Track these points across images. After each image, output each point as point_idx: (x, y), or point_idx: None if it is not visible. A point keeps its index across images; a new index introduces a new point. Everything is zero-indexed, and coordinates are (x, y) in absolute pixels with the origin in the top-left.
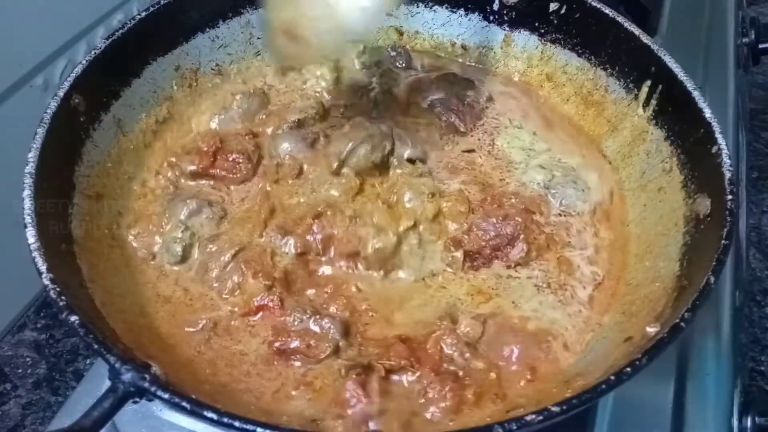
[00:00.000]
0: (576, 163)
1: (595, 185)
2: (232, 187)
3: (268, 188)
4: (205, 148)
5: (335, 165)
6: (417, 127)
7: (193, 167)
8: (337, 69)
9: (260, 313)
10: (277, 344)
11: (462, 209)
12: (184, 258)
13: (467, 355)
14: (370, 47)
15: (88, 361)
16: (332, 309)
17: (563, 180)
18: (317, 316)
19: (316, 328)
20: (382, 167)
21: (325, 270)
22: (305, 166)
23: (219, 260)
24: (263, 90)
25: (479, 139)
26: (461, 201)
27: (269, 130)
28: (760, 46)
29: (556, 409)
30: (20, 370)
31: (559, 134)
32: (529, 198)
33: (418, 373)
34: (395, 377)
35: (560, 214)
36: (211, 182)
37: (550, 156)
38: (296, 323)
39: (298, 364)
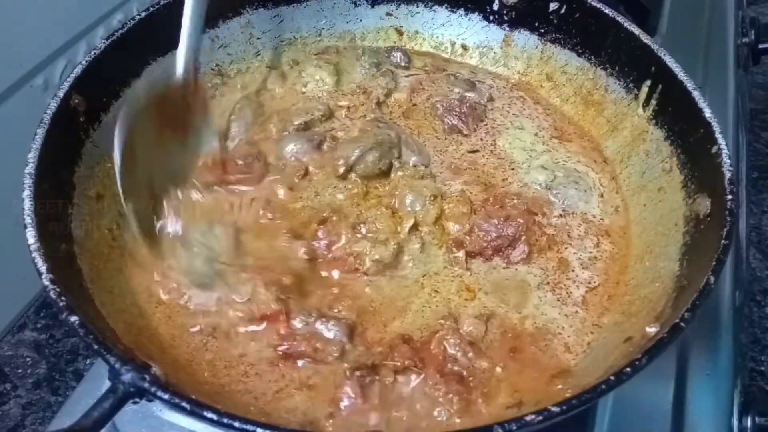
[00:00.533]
0: (579, 167)
1: (598, 198)
2: (243, 188)
3: (279, 191)
4: (211, 163)
5: (342, 170)
6: (419, 129)
7: (204, 180)
8: (337, 72)
9: (265, 322)
10: (282, 348)
11: (464, 210)
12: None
13: (470, 354)
14: (370, 49)
15: (88, 361)
16: (338, 311)
17: (565, 181)
18: (323, 319)
19: (323, 332)
20: (386, 171)
21: (332, 273)
22: (311, 168)
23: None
24: (258, 99)
25: (481, 140)
26: (463, 202)
27: (273, 134)
28: (760, 46)
29: (556, 409)
30: (20, 370)
31: (562, 136)
32: (532, 199)
33: (422, 375)
34: (400, 379)
35: (562, 215)
36: (227, 187)
37: (551, 157)
38: (302, 327)
39: (304, 364)
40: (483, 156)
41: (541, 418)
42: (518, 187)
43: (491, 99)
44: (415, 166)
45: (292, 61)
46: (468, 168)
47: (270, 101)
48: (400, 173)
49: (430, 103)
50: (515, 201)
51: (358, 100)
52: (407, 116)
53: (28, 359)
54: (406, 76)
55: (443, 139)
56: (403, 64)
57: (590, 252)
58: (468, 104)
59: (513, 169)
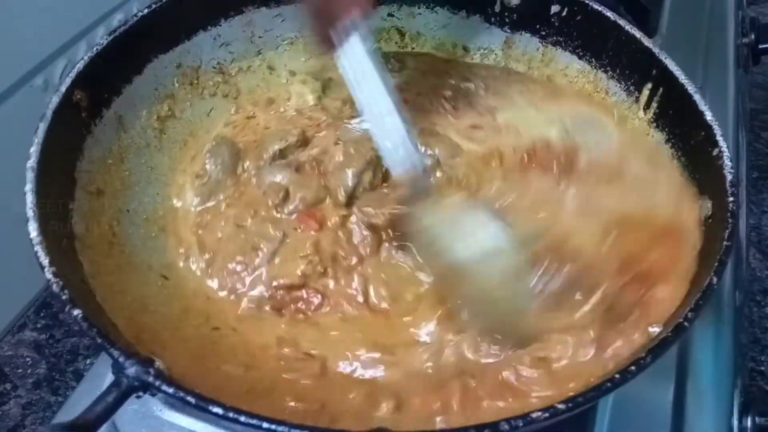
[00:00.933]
0: (583, 111)
1: (619, 135)
2: None
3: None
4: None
5: (343, 199)
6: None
7: None
8: (324, 87)
9: None
10: None
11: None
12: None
13: None
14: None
15: (88, 361)
16: None
17: (577, 126)
18: None
19: None
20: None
21: None
22: (291, 189)
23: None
24: (226, 137)
25: (480, 115)
26: (490, 156)
27: (252, 173)
28: (760, 46)
29: (561, 406)
30: (20, 370)
31: (560, 97)
32: (560, 148)
33: None
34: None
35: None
36: None
37: (552, 114)
38: None
39: None
40: (484, 130)
41: (547, 415)
42: (536, 141)
43: (486, 88)
44: None
45: (289, 72)
46: (472, 137)
47: (240, 133)
48: None
49: (421, 96)
50: (542, 150)
51: (338, 114)
52: None
53: (28, 359)
54: (395, 78)
55: (437, 116)
56: (396, 68)
57: None
58: (461, 93)
59: (520, 133)
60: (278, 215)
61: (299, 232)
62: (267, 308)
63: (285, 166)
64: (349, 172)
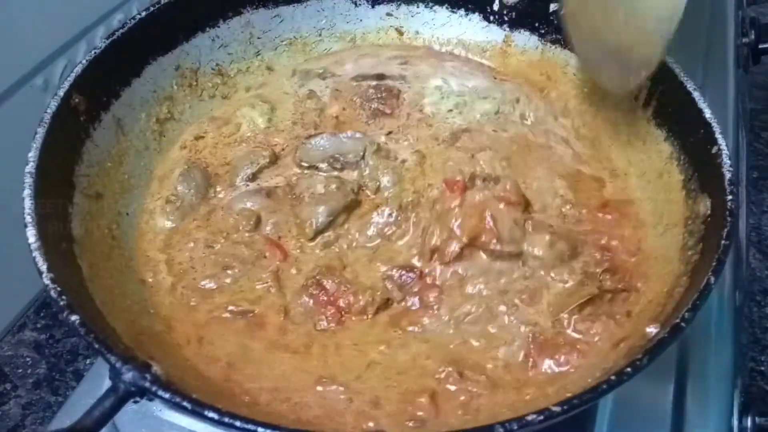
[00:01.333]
0: (508, 87)
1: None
2: None
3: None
4: None
5: (311, 234)
6: (351, 129)
7: None
8: (272, 109)
9: None
10: None
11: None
12: None
13: None
14: (301, 71)
15: (88, 361)
16: None
17: (511, 99)
18: None
19: None
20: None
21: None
22: (262, 215)
23: None
24: (198, 162)
25: (408, 114)
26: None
27: (225, 198)
28: (760, 46)
29: (557, 409)
30: (20, 370)
31: (476, 74)
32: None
33: None
34: None
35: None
36: None
37: (475, 90)
38: None
39: None
40: (416, 126)
41: (542, 417)
42: (475, 123)
43: (403, 78)
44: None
45: (291, 71)
46: (413, 137)
47: (196, 155)
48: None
49: (351, 101)
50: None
51: (292, 134)
52: (339, 127)
53: (28, 359)
54: (326, 87)
55: (371, 125)
56: (328, 75)
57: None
58: (383, 88)
59: (455, 117)
60: (250, 237)
61: (265, 258)
62: (233, 324)
63: (255, 192)
64: (324, 210)
